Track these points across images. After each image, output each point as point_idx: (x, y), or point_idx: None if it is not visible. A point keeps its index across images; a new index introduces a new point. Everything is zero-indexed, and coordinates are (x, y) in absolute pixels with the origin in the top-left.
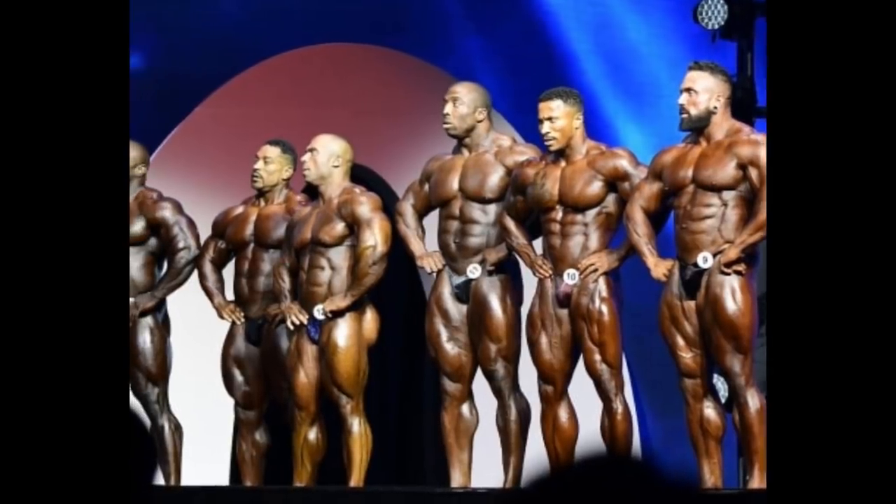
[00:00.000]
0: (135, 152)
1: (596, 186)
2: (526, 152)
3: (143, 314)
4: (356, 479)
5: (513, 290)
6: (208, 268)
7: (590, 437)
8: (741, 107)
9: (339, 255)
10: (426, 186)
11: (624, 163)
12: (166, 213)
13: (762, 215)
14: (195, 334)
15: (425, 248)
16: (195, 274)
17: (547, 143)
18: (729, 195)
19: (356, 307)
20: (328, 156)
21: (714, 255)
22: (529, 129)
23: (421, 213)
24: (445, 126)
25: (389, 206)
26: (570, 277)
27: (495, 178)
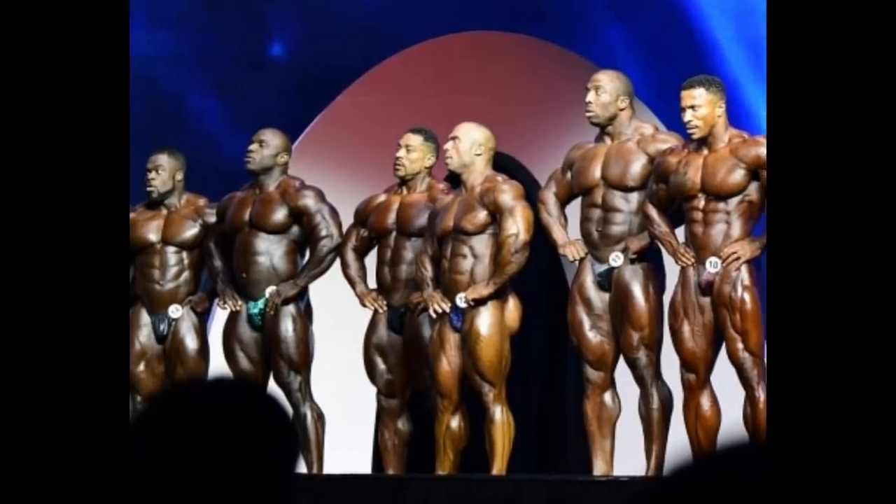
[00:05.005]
0: (277, 140)
1: (738, 174)
2: (668, 140)
3: (286, 302)
4: (498, 467)
5: (655, 278)
6: (350, 256)
7: (732, 425)
8: None
9: (482, 244)
10: (568, 175)
11: (766, 151)
12: (309, 201)
13: None
14: (337, 322)
15: (567, 237)
16: (337, 262)
17: (689, 132)
18: None
19: (498, 295)
20: (470, 144)
21: None
22: (672, 117)
23: (563, 202)
24: (588, 114)
25: (531, 195)
26: (712, 266)
27: (637, 167)
